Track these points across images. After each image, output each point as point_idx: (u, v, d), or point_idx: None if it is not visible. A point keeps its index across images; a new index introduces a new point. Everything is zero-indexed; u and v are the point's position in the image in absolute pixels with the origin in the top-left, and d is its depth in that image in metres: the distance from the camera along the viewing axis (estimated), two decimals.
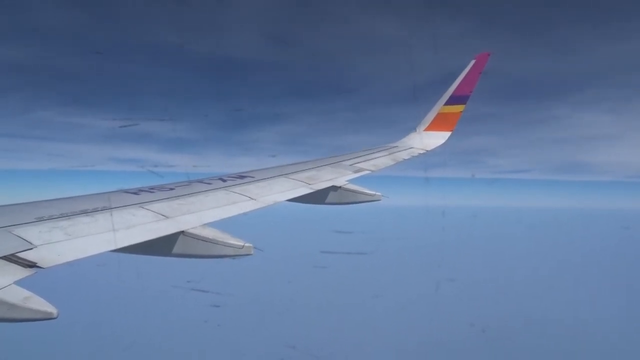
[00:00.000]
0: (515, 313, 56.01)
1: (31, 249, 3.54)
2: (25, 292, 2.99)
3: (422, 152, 9.19)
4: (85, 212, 4.47)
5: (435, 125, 9.58)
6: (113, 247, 3.92)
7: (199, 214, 4.95)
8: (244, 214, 5.29)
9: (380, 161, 8.32)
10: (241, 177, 6.61)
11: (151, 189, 5.62)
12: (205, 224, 4.71)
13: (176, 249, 4.46)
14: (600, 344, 47.53)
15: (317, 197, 6.58)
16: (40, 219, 4.14)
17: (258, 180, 6.44)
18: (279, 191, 6.11)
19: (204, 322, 43.56)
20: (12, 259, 3.33)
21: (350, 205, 6.79)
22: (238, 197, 5.64)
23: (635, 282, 72.88)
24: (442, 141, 9.47)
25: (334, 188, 6.67)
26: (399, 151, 9.06)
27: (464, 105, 9.26)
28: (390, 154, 8.84)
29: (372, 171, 7.78)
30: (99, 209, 4.61)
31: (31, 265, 3.31)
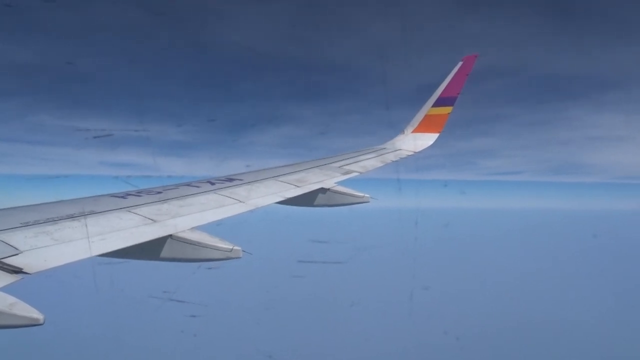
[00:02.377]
0: (497, 317, 56.01)
1: (17, 254, 3.49)
2: (11, 299, 2.95)
3: (410, 153, 9.24)
4: (71, 217, 4.43)
5: (423, 127, 9.64)
6: (100, 252, 3.88)
7: (187, 218, 4.92)
8: (233, 216, 5.27)
9: (368, 163, 8.36)
10: (230, 179, 6.58)
11: (139, 193, 5.57)
12: (193, 228, 4.69)
13: (164, 253, 4.43)
14: (589, 345, 47.81)
15: (306, 200, 6.59)
16: (26, 224, 4.09)
17: (247, 183, 6.42)
18: (267, 194, 6.10)
19: (180, 332, 43.00)
20: None
21: (339, 207, 6.81)
22: (227, 200, 5.62)
23: (625, 283, 73.02)
24: (430, 143, 9.53)
25: (323, 190, 6.69)
26: (387, 153, 9.10)
27: (451, 107, 9.32)
28: (378, 155, 8.88)
29: (361, 173, 7.81)
30: (86, 213, 4.57)
31: (17, 271, 3.26)
